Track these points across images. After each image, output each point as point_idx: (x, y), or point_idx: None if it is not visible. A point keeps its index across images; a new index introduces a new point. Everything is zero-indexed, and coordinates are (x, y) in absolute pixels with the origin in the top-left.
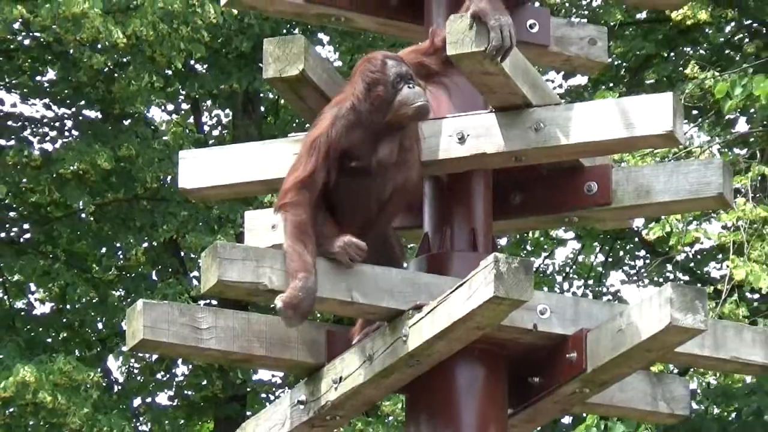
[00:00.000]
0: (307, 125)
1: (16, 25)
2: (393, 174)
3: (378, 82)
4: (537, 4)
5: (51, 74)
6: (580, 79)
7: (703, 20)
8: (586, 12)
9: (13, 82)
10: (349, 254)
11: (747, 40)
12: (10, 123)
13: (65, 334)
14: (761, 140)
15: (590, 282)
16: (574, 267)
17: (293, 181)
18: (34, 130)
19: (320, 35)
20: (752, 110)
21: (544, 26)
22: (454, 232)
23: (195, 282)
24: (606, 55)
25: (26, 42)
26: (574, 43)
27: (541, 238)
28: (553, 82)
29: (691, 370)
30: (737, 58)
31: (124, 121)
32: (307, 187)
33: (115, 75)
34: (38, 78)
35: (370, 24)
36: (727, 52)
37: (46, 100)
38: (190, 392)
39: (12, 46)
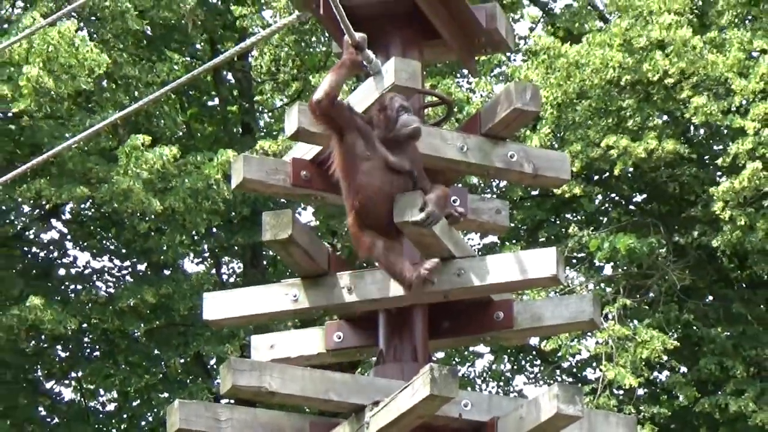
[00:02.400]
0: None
1: (86, 204)
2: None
3: (385, 107)
4: (459, 185)
5: (110, 237)
6: (492, 238)
7: (577, 193)
8: (495, 190)
9: (85, 244)
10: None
11: (611, 208)
12: (86, 273)
13: (124, 426)
14: (623, 280)
15: (501, 383)
16: (489, 373)
17: None
18: (100, 277)
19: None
20: (616, 260)
21: (464, 201)
22: (401, 348)
23: (217, 383)
24: (508, 221)
25: (92, 214)
26: (485, 213)
27: (465, 353)
28: (471, 240)
29: None
30: (605, 221)
31: (164, 270)
32: None
33: (152, 234)
34: (104, 241)
35: (338, 200)
36: (597, 217)
37: (109, 256)
38: None
39: (84, 219)
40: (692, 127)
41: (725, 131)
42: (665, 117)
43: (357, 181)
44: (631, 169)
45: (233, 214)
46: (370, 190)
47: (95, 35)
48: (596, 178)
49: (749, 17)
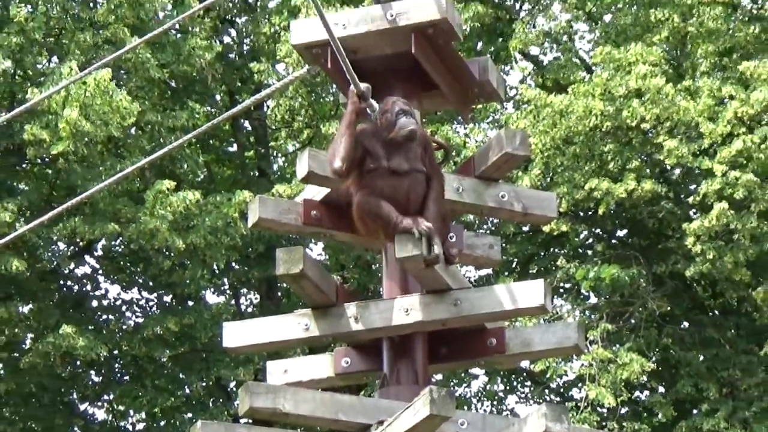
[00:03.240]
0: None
1: (116, 241)
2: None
3: (387, 111)
4: (455, 223)
5: (139, 271)
6: (487, 271)
7: (564, 230)
8: (489, 226)
9: (116, 278)
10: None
11: (596, 242)
12: (116, 305)
13: None
14: (606, 308)
15: (494, 403)
16: (483, 393)
17: None
18: (129, 308)
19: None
20: (600, 289)
21: (459, 237)
22: (403, 372)
23: (236, 405)
24: (500, 255)
25: (121, 250)
26: (479, 248)
27: (462, 375)
28: (468, 272)
29: None
30: (590, 254)
31: (187, 301)
32: None
33: (176, 269)
34: (132, 275)
35: (346, 238)
36: (583, 250)
37: (137, 289)
38: None
39: (114, 255)
40: (669, 168)
41: (697, 171)
42: (646, 158)
43: (361, 185)
44: (614, 207)
45: (250, 250)
46: (373, 193)
47: (123, 86)
48: (582, 215)
49: (721, 65)
